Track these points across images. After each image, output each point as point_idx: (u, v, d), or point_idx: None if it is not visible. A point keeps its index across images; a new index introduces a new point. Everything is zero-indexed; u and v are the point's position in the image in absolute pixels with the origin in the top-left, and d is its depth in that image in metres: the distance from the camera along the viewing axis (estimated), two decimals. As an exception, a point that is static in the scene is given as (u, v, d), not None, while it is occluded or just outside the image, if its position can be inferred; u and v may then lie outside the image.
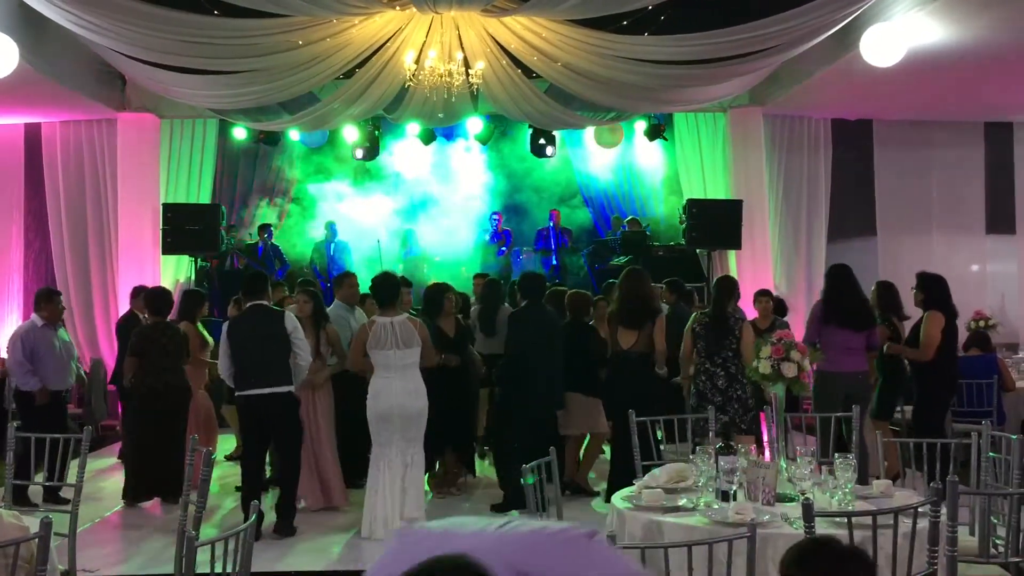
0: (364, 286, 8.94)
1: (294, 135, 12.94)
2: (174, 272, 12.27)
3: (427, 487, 7.49)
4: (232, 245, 12.87)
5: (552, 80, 10.14)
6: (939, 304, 7.35)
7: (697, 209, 11.97)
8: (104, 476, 8.89)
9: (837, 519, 3.52)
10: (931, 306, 7.35)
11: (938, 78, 10.20)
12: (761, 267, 12.14)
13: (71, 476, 5.16)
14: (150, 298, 8.22)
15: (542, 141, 12.72)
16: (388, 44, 9.48)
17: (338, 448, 7.52)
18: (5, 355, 7.89)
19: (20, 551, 3.30)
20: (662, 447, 6.21)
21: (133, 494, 7.72)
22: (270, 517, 6.70)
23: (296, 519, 6.81)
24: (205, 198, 12.60)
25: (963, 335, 8.72)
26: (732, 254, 12.28)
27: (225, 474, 8.56)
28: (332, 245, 13.28)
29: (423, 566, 1.35)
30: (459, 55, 9.38)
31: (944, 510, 3.42)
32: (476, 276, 10.57)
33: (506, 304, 8.93)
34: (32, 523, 3.54)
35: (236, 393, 6.77)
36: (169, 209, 11.85)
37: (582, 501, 7.55)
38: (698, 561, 3.15)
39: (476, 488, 8.25)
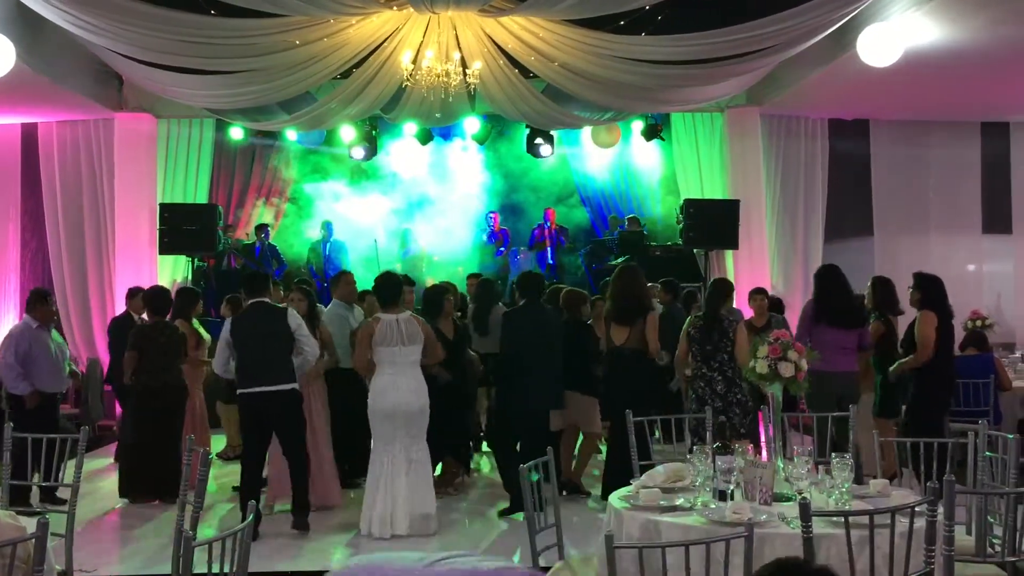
0: (362, 285, 8.99)
1: (291, 135, 12.94)
2: (171, 272, 12.27)
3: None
4: (229, 245, 12.87)
5: (549, 80, 10.13)
6: (933, 304, 7.36)
7: (694, 209, 11.99)
8: (101, 476, 8.89)
9: (834, 518, 3.52)
10: (925, 306, 7.37)
11: (935, 78, 10.21)
12: (758, 267, 12.15)
13: (68, 476, 5.15)
14: (149, 297, 8.23)
15: (539, 141, 12.72)
16: (385, 44, 9.48)
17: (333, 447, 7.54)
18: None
19: (17, 551, 3.30)
20: (656, 447, 6.21)
21: (131, 492, 7.72)
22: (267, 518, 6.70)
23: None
24: (202, 198, 12.60)
25: (960, 335, 8.72)
26: (729, 254, 12.29)
27: (219, 474, 8.55)
28: (328, 245, 13.28)
29: None
30: (456, 55, 9.37)
31: (941, 509, 3.43)
32: (470, 276, 10.60)
33: (500, 304, 9.01)
34: (29, 523, 3.54)
35: (238, 391, 6.76)
36: (166, 209, 11.85)
37: (578, 501, 7.54)
38: (695, 561, 3.15)
39: (472, 488, 8.26)
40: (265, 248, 12.90)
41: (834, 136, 12.83)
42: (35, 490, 6.85)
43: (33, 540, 3.26)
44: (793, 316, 10.10)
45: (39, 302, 7.78)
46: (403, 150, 13.69)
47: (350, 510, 7.35)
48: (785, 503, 3.92)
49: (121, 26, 8.42)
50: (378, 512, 6.50)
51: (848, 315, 7.31)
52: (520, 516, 6.49)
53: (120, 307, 10.50)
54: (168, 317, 8.21)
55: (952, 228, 13.09)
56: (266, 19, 8.65)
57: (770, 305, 9.32)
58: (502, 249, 13.47)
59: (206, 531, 6.09)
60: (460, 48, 9.41)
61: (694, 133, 12.72)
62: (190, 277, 12.23)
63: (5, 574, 3.32)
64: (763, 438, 6.59)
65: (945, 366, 7.43)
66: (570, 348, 7.49)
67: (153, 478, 7.60)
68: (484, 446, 9.55)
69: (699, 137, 12.71)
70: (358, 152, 12.90)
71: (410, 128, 12.80)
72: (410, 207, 14.01)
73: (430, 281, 10.93)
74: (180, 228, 11.73)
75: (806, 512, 3.22)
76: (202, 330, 8.69)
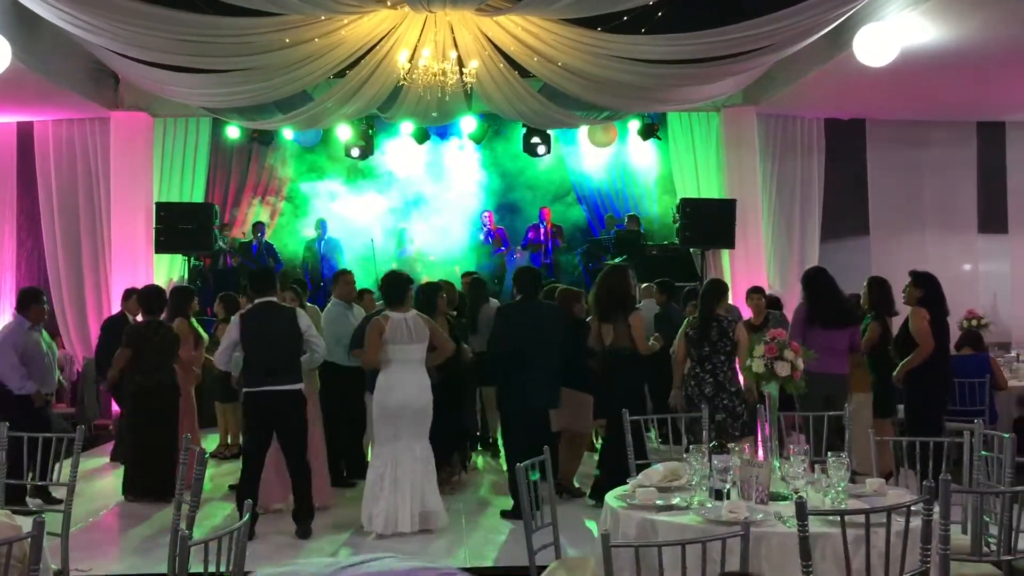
0: (358, 284, 9.01)
1: (288, 134, 12.93)
2: (167, 271, 12.26)
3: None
4: (225, 244, 12.86)
5: (546, 79, 10.14)
6: (930, 302, 7.37)
7: (691, 208, 12.00)
8: (97, 475, 8.88)
9: (830, 517, 3.52)
10: (921, 303, 7.38)
11: (931, 78, 10.22)
12: (754, 266, 12.16)
13: (64, 475, 5.14)
14: (143, 296, 8.20)
15: (536, 140, 12.72)
16: (382, 43, 9.48)
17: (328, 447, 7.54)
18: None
19: (13, 550, 3.29)
20: (652, 445, 6.21)
21: (135, 492, 7.71)
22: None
23: (287, 518, 6.80)
24: (198, 197, 12.59)
25: (955, 334, 8.74)
26: (725, 253, 12.31)
27: (214, 473, 8.53)
28: (322, 243, 13.27)
29: None
30: (453, 54, 9.37)
31: (937, 508, 3.43)
32: (464, 275, 10.62)
33: (490, 302, 9.08)
34: (25, 523, 3.53)
35: (244, 390, 6.73)
36: (162, 208, 11.84)
37: (574, 501, 7.49)
38: (692, 560, 3.15)
39: (469, 486, 8.25)
40: (262, 247, 12.89)
41: (830, 136, 12.84)
42: (29, 489, 6.82)
43: (29, 539, 3.25)
44: (789, 315, 10.11)
45: (33, 302, 7.59)
46: (399, 149, 13.68)
47: (346, 509, 7.35)
48: (781, 502, 3.92)
49: (117, 24, 8.41)
50: (383, 510, 6.48)
51: (840, 316, 7.37)
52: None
53: (116, 307, 10.49)
54: (164, 316, 8.20)
55: (948, 228, 13.11)
56: (261, 18, 8.65)
57: (768, 303, 9.34)
58: (501, 248, 13.47)
59: (202, 530, 6.08)
60: (457, 47, 9.42)
61: (690, 132, 12.73)
62: (186, 276, 12.22)
63: (1, 573, 3.31)
64: (759, 438, 6.60)
65: (942, 365, 7.45)
66: (564, 345, 7.47)
67: (156, 477, 7.58)
68: (479, 445, 9.56)
69: (695, 136, 12.73)
70: (354, 151, 12.90)
71: (407, 127, 12.80)
72: (406, 206, 14.01)
73: (426, 279, 10.93)
74: (176, 227, 11.73)
75: (802, 511, 3.22)
76: (200, 329, 8.68)
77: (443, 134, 13.68)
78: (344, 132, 12.75)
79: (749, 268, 12.08)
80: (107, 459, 9.44)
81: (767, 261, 12.46)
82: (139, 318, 8.42)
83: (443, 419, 6.95)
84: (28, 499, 6.84)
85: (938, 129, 12.92)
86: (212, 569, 3.13)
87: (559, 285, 8.74)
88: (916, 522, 3.43)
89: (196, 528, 6.03)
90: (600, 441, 8.21)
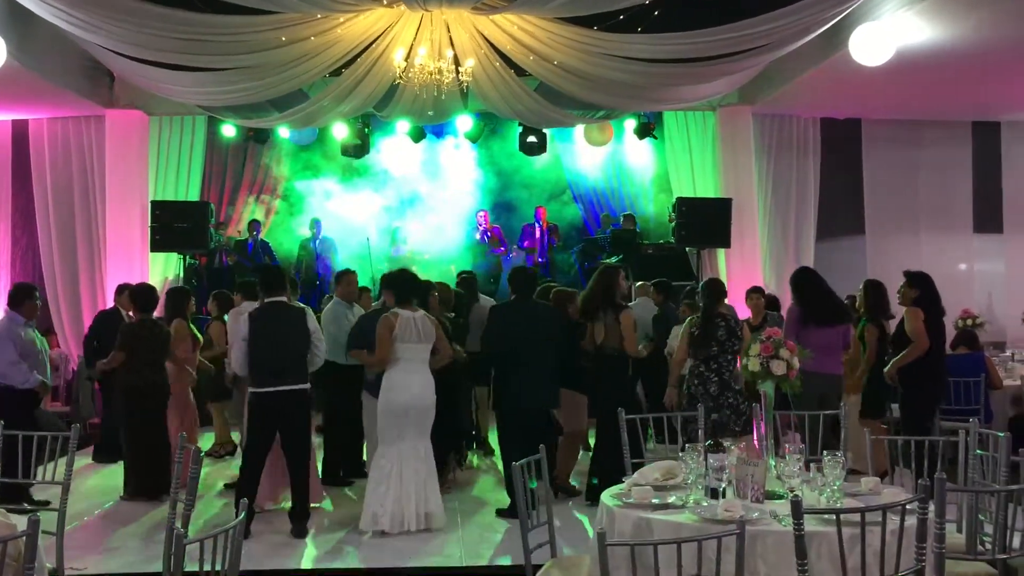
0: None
1: (283, 132, 12.92)
2: (163, 269, 12.24)
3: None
4: (220, 242, 12.84)
5: (542, 78, 10.13)
6: (925, 301, 7.39)
7: (686, 207, 12.01)
8: (92, 474, 8.85)
9: (826, 516, 3.53)
10: (916, 303, 7.40)
11: (926, 77, 10.24)
12: (750, 266, 12.18)
13: (58, 474, 5.12)
14: (136, 295, 8.13)
15: (532, 139, 12.72)
16: (378, 41, 9.47)
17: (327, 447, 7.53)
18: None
19: (7, 549, 3.28)
20: (649, 445, 6.22)
21: (130, 489, 7.69)
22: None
23: (282, 517, 6.79)
24: (193, 195, 12.57)
25: (951, 334, 8.75)
26: (721, 252, 12.32)
27: (209, 472, 8.52)
28: (317, 242, 13.26)
29: None
30: (449, 53, 9.37)
31: (932, 507, 3.44)
32: (459, 274, 10.61)
33: (481, 300, 9.08)
34: (19, 521, 3.52)
35: (251, 390, 6.70)
36: (157, 206, 11.83)
37: (569, 500, 7.50)
38: (687, 558, 3.15)
39: (465, 485, 8.24)
40: (257, 245, 12.88)
41: (826, 135, 12.86)
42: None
43: (24, 538, 3.24)
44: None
45: (27, 298, 7.51)
46: (395, 148, 13.67)
47: (341, 508, 7.34)
48: (777, 501, 3.93)
49: (112, 22, 8.40)
50: (388, 508, 6.47)
51: (834, 313, 7.40)
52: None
53: (111, 304, 10.45)
54: (158, 316, 8.17)
55: (943, 227, 13.14)
56: (257, 16, 8.63)
57: (767, 303, 9.36)
58: (500, 249, 13.47)
59: (196, 529, 6.07)
60: (453, 46, 9.41)
61: (686, 132, 12.75)
62: (181, 275, 12.20)
63: (-4, 572, 3.30)
64: (755, 437, 6.60)
65: (937, 363, 7.46)
66: (560, 346, 7.47)
67: (152, 476, 7.56)
68: (474, 444, 9.55)
69: (691, 136, 12.74)
70: (350, 150, 12.88)
71: (403, 126, 12.80)
72: (402, 205, 14.00)
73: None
74: (172, 225, 11.71)
75: (797, 510, 3.22)
76: (196, 330, 8.65)
77: (439, 133, 13.67)
78: (340, 131, 12.74)
79: (745, 267, 12.10)
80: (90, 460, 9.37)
81: (763, 260, 12.48)
82: (132, 315, 8.38)
83: (439, 419, 6.94)
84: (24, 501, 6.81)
85: (934, 129, 12.94)
86: (207, 568, 3.12)
87: (554, 285, 8.73)
88: (911, 521, 3.43)
89: (191, 527, 6.03)
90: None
